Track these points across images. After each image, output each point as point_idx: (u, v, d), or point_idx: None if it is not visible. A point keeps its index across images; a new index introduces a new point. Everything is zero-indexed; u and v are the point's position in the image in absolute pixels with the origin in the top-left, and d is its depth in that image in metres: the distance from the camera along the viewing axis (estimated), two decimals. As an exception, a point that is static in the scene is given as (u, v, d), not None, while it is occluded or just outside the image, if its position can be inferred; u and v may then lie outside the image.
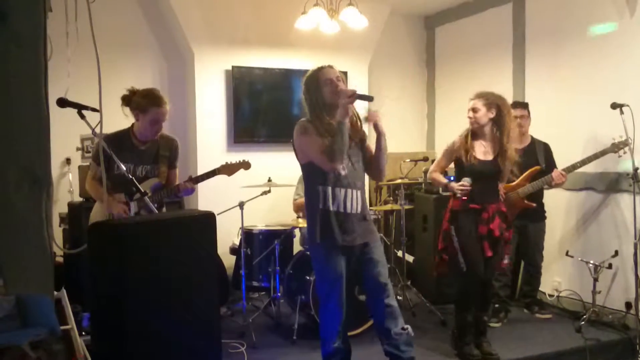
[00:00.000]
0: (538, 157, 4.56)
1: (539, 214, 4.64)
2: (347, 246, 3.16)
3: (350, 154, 3.17)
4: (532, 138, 4.66)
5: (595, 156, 4.31)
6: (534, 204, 4.48)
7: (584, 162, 4.32)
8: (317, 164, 3.12)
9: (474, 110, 3.74)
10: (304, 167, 3.26)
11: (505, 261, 3.89)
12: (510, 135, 3.73)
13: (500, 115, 3.71)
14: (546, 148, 4.63)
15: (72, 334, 2.86)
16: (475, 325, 3.84)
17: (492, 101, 3.72)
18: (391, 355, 3.24)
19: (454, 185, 3.73)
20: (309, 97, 3.20)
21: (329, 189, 3.13)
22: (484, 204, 3.73)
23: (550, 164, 4.53)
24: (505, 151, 3.72)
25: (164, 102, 3.52)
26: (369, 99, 3.15)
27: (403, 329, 3.23)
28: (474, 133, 3.80)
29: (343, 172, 3.13)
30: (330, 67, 3.19)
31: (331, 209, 3.12)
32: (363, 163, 3.29)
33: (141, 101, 3.49)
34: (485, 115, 3.73)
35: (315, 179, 3.17)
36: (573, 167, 4.36)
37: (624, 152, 4.27)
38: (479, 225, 3.72)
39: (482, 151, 3.77)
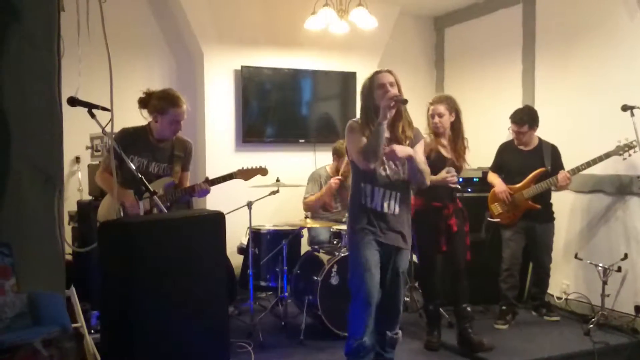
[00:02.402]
0: (544, 159, 4.53)
1: (546, 215, 4.61)
2: (383, 243, 3.22)
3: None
4: (540, 140, 4.63)
5: (600, 158, 4.28)
6: (539, 206, 4.47)
7: (588, 165, 4.30)
8: (355, 162, 3.21)
9: (440, 115, 3.87)
10: (351, 163, 3.33)
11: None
12: (463, 138, 3.95)
13: (458, 119, 3.91)
14: (554, 150, 4.60)
15: (81, 331, 2.88)
16: (457, 317, 3.98)
17: (452, 105, 3.91)
18: (375, 353, 3.35)
19: (441, 176, 3.74)
20: (362, 98, 3.26)
21: (369, 187, 3.21)
22: (445, 202, 3.88)
23: (557, 166, 4.50)
24: (460, 151, 3.90)
25: (182, 102, 3.54)
26: (403, 102, 3.12)
27: (396, 333, 3.36)
28: (437, 135, 3.93)
29: (384, 173, 3.20)
30: (388, 72, 3.21)
31: (369, 206, 3.20)
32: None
33: (159, 103, 3.51)
34: (448, 119, 3.90)
35: (360, 176, 3.24)
36: (578, 169, 4.34)
37: (629, 155, 4.24)
38: (439, 221, 3.87)
39: (445, 151, 3.91)
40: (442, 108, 3.88)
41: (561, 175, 4.35)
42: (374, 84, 3.18)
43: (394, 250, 3.25)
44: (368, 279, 3.16)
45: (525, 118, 4.54)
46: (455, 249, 3.93)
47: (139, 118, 3.63)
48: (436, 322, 4.05)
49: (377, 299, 3.20)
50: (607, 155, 4.27)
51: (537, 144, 4.62)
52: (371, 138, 3.08)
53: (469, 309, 3.94)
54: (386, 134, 3.11)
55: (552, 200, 4.65)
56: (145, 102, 3.56)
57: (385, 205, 3.20)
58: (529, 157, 4.59)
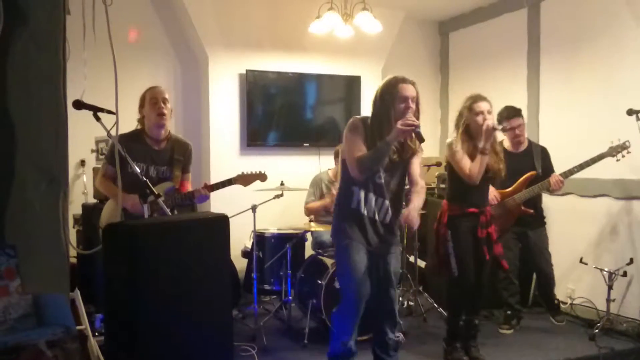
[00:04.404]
0: (535, 161, 4.46)
1: (537, 221, 4.55)
2: (370, 251, 3.18)
3: (392, 166, 3.14)
4: (529, 142, 4.58)
5: (593, 160, 4.20)
6: (532, 210, 4.37)
7: (581, 167, 4.23)
8: (347, 166, 3.10)
9: (489, 112, 3.62)
10: (343, 162, 3.21)
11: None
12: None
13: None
14: (543, 152, 4.54)
15: (86, 334, 2.88)
16: (465, 329, 3.82)
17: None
18: (378, 357, 3.33)
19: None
20: (379, 103, 3.10)
21: (362, 193, 3.13)
22: (482, 207, 3.71)
23: (548, 169, 4.44)
24: (498, 153, 3.71)
25: (156, 87, 3.62)
26: (421, 139, 3.05)
27: (397, 335, 3.31)
28: (471, 136, 3.64)
29: (379, 180, 3.13)
30: (413, 83, 3.07)
31: (360, 212, 3.13)
32: (403, 175, 3.24)
33: (139, 100, 3.62)
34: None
35: (352, 178, 3.12)
36: (570, 172, 4.26)
37: (622, 156, 4.18)
38: (479, 228, 3.68)
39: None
40: (489, 105, 3.62)
41: (554, 179, 4.26)
42: (396, 94, 3.03)
43: (385, 252, 3.22)
44: (357, 284, 3.12)
45: (516, 110, 4.50)
46: (492, 258, 3.73)
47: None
48: (460, 337, 3.84)
49: (365, 301, 3.17)
50: (600, 157, 4.20)
51: (527, 146, 4.55)
52: (374, 154, 2.99)
53: (477, 321, 3.83)
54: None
55: (549, 204, 4.59)
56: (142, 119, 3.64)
57: (376, 212, 3.15)
58: (518, 160, 4.46)
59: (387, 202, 3.16)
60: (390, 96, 3.05)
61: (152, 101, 3.55)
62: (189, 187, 3.75)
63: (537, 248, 4.57)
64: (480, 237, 3.67)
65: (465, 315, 3.81)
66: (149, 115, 3.56)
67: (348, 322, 3.18)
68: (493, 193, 4.33)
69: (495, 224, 4.36)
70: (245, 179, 3.83)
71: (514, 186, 4.38)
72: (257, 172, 3.89)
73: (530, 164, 4.45)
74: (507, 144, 4.58)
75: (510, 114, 4.50)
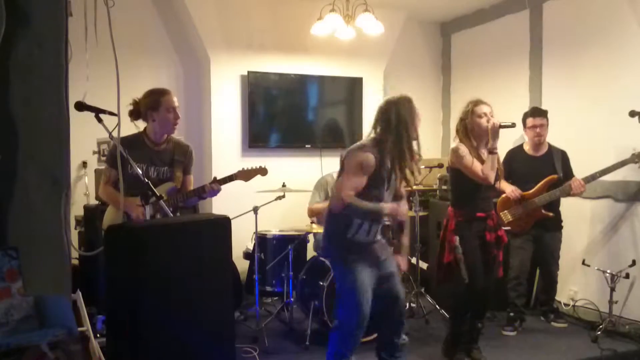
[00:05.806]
0: (555, 165, 4.50)
1: (555, 224, 4.57)
2: (371, 268, 3.20)
3: (390, 185, 3.17)
4: (550, 145, 4.61)
5: (615, 167, 4.24)
6: (552, 214, 4.43)
7: (603, 172, 4.27)
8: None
9: (491, 114, 3.63)
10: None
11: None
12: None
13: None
14: (563, 156, 4.58)
15: (87, 335, 2.88)
16: (469, 332, 3.80)
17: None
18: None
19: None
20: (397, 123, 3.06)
21: (360, 222, 3.15)
22: (488, 212, 3.70)
23: (568, 172, 4.48)
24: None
25: (169, 91, 3.59)
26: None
27: (403, 338, 3.28)
28: (475, 139, 3.66)
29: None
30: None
31: (360, 240, 3.15)
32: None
33: (148, 100, 3.53)
34: None
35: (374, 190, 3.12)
36: (592, 177, 4.30)
37: None
38: (487, 232, 3.66)
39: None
40: (489, 107, 3.65)
41: (575, 182, 4.29)
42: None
43: (384, 267, 3.22)
44: (363, 306, 3.10)
45: (542, 111, 4.58)
46: (498, 262, 3.71)
47: (144, 122, 3.63)
48: (462, 340, 3.80)
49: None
50: (623, 164, 4.24)
51: (547, 150, 4.59)
52: (364, 208, 3.06)
53: (480, 325, 3.80)
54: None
55: (560, 208, 4.61)
56: (136, 110, 3.57)
57: (372, 236, 3.21)
58: (539, 163, 4.54)
59: (380, 225, 3.20)
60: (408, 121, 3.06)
61: (169, 107, 3.53)
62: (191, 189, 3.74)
63: (549, 250, 4.59)
64: (489, 241, 3.65)
65: (470, 318, 3.79)
66: (164, 122, 3.53)
67: (350, 343, 3.17)
68: (511, 187, 4.39)
69: (514, 226, 4.38)
70: (246, 175, 3.83)
71: (534, 189, 4.42)
72: (258, 167, 3.88)
73: (551, 167, 4.49)
74: (527, 147, 4.64)
75: (535, 112, 4.59)
